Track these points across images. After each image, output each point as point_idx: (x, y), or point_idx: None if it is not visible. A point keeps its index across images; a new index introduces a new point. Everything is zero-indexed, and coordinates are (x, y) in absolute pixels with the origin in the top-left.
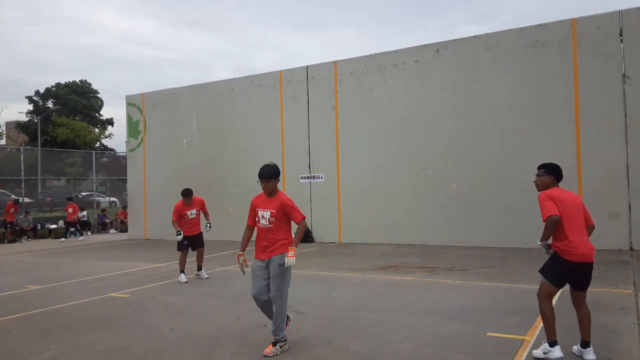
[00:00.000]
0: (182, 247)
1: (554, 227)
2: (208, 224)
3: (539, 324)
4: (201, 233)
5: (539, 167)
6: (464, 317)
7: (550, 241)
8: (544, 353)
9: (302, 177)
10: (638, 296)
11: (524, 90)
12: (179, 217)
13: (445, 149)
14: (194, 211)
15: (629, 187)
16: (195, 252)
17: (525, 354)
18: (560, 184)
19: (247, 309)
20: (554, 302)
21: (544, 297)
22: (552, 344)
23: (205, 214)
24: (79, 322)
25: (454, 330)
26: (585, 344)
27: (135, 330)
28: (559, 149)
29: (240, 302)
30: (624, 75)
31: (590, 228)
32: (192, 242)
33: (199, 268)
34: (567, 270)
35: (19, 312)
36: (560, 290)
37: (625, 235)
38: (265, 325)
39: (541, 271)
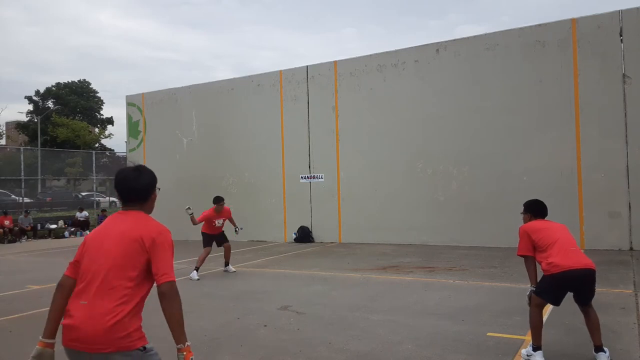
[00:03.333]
0: (208, 242)
1: (530, 265)
2: (238, 229)
3: None
4: (223, 231)
5: (523, 205)
6: (464, 317)
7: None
8: (527, 355)
9: (302, 177)
10: (638, 296)
11: (524, 90)
12: (205, 221)
13: (445, 149)
14: (221, 221)
15: (629, 187)
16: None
17: None
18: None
19: (247, 309)
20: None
21: (534, 306)
22: (536, 348)
23: (232, 222)
24: None
25: (454, 330)
26: (597, 348)
27: None
28: (559, 149)
29: (240, 302)
30: (624, 75)
31: None
32: (218, 239)
33: (227, 264)
34: (554, 285)
35: (19, 312)
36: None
37: (625, 235)
38: (265, 325)
39: (535, 292)
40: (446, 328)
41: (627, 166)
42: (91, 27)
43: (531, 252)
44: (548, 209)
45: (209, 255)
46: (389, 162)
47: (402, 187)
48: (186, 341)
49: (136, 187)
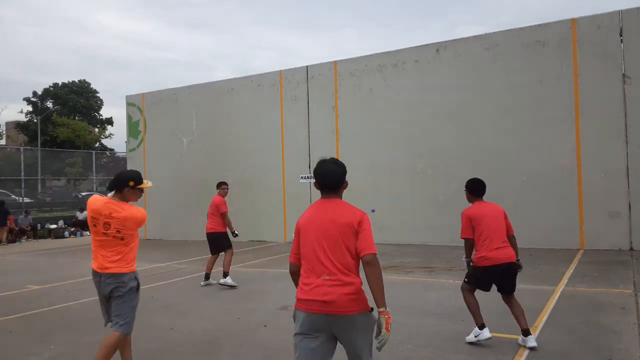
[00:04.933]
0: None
1: (469, 248)
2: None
3: (539, 324)
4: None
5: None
6: (464, 317)
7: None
8: (475, 336)
9: (302, 177)
10: (638, 296)
11: (524, 90)
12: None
13: (446, 149)
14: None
15: (629, 187)
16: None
17: (525, 354)
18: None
19: (247, 309)
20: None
21: (466, 292)
22: (481, 327)
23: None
24: (79, 322)
25: (454, 330)
26: (525, 332)
27: (135, 330)
28: (559, 149)
29: (240, 302)
30: (624, 75)
31: (510, 237)
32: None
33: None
34: (482, 276)
35: (19, 312)
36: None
37: (625, 235)
38: (265, 325)
39: (466, 280)
40: (446, 328)
41: (627, 166)
42: (91, 27)
43: (472, 235)
44: (548, 208)
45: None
46: (389, 162)
47: (402, 187)
48: (385, 306)
49: (335, 177)
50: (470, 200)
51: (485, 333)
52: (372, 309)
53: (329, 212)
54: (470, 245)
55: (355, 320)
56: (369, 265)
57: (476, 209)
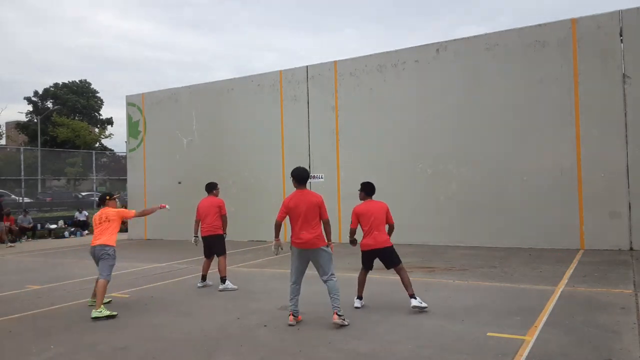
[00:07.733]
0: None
1: (350, 234)
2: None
3: (539, 324)
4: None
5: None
6: (464, 317)
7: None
8: (356, 307)
9: None
10: (638, 296)
11: (524, 90)
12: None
13: (445, 149)
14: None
15: (629, 187)
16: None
17: (525, 353)
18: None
19: (247, 309)
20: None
21: (361, 272)
22: (359, 297)
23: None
24: (79, 322)
25: (454, 330)
26: (411, 296)
27: (135, 330)
28: (559, 149)
29: (240, 302)
30: (624, 75)
31: (390, 226)
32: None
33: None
34: (365, 258)
35: (19, 312)
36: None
37: (625, 235)
38: (265, 325)
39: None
40: (446, 328)
41: (627, 166)
42: (92, 27)
43: (356, 224)
44: (548, 208)
45: (208, 260)
46: (389, 162)
47: (402, 187)
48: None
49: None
50: (362, 199)
51: (357, 303)
52: (327, 244)
53: (308, 196)
54: (353, 233)
55: None
56: (327, 225)
57: (362, 205)
